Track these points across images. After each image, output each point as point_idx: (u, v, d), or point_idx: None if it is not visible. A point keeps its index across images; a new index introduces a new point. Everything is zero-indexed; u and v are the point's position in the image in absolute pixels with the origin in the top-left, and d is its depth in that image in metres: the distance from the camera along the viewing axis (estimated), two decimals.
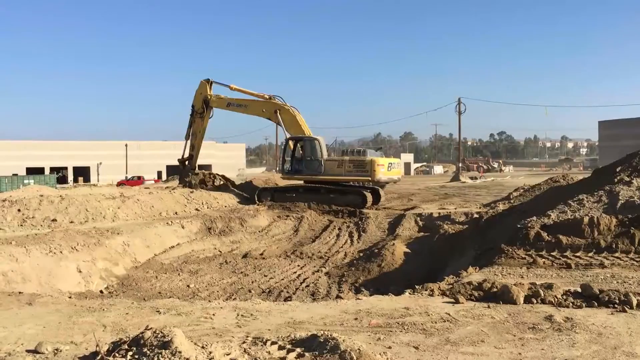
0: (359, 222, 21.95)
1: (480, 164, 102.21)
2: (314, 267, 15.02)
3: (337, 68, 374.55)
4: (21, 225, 17.54)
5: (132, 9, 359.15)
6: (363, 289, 12.35)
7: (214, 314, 6.98)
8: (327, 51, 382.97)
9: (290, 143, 27.56)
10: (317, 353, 4.51)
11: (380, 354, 4.92)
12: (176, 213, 22.27)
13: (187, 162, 31.92)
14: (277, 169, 74.35)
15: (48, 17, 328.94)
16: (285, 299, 11.34)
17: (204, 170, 33.79)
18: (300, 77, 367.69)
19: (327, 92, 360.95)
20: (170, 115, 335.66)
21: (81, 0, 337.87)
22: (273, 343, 4.92)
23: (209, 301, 8.93)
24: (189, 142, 31.78)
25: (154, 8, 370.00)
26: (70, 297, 10.01)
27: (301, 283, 13.12)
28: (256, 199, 26.82)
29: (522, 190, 25.44)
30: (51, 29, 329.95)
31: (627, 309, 6.52)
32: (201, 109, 30.83)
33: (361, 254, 16.17)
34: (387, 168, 25.94)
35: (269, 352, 4.71)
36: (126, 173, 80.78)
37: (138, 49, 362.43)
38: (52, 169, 76.45)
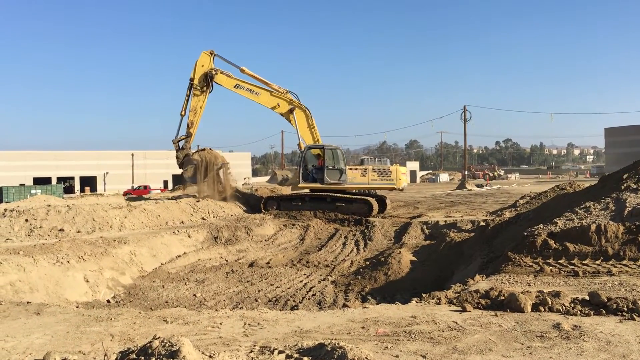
0: (365, 231, 21.94)
1: (486, 172, 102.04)
2: (321, 275, 15.00)
3: (340, 74, 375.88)
4: (29, 235, 17.63)
5: (135, 13, 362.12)
6: (370, 298, 12.33)
7: (221, 323, 6.99)
8: (330, 56, 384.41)
9: (311, 151, 27.20)
10: None
11: None
12: (182, 222, 22.34)
13: (183, 141, 28.69)
14: (280, 179, 74.06)
15: (51, 23, 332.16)
16: (292, 308, 11.33)
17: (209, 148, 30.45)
18: (301, 81, 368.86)
19: (330, 99, 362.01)
20: (176, 124, 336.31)
21: (83, 7, 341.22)
22: (280, 352, 4.93)
23: (216, 310, 8.93)
24: (184, 119, 28.56)
25: (157, 12, 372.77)
26: (77, 307, 10.04)
27: (308, 292, 13.11)
28: (262, 207, 26.82)
29: (528, 198, 25.36)
30: (56, 36, 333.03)
31: (635, 316, 6.48)
32: (202, 83, 28.10)
33: (367, 263, 16.14)
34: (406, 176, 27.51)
35: None
36: (132, 183, 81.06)
37: (142, 56, 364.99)
38: (59, 179, 76.86)
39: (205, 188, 28.84)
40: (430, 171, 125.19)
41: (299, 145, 28.21)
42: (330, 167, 26.38)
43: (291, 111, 27.58)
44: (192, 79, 28.18)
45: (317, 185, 26.51)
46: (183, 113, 28.43)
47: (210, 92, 28.61)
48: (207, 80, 28.02)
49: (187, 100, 28.41)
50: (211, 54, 28.38)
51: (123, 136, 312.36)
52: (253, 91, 28.04)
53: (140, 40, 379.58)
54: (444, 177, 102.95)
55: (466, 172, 75.11)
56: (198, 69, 28.23)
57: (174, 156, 30.27)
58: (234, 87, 28.14)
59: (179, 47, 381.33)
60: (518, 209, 22.80)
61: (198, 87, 28.13)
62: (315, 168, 26.77)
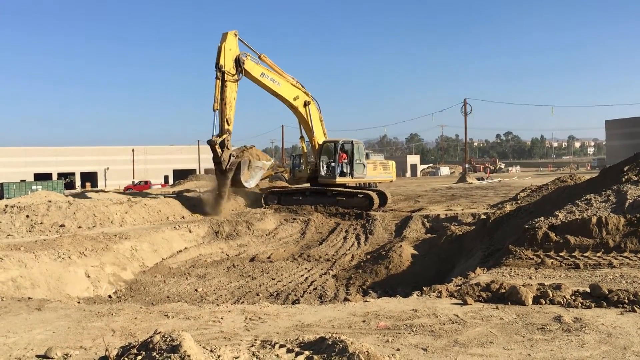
0: (366, 225, 21.92)
1: (487, 165, 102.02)
2: (322, 269, 15.01)
3: (340, 68, 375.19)
4: (30, 231, 17.64)
5: (134, 12, 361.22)
6: (371, 291, 12.35)
7: (222, 318, 7.00)
8: (330, 50, 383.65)
9: (333, 146, 26.58)
10: (325, 356, 4.51)
11: (388, 356, 4.92)
12: (183, 217, 22.34)
13: (224, 140, 23.20)
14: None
15: (51, 20, 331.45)
16: (293, 302, 11.34)
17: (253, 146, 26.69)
18: (299, 74, 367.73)
19: (330, 93, 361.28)
20: (176, 119, 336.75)
21: (85, 4, 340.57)
22: (281, 346, 4.93)
23: (217, 305, 8.94)
24: (216, 113, 23.23)
25: (156, 9, 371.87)
26: (79, 302, 10.06)
27: (309, 286, 13.12)
28: (263, 202, 26.77)
29: (529, 191, 25.31)
30: (56, 34, 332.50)
31: (636, 308, 6.48)
32: (233, 69, 23.37)
33: (368, 256, 16.14)
34: None
35: (277, 355, 4.71)
36: (133, 178, 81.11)
37: (142, 54, 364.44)
38: (60, 175, 76.92)
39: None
40: (431, 165, 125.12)
41: (301, 138, 27.80)
42: (358, 162, 26.50)
43: (306, 104, 26.37)
44: (221, 66, 23.07)
45: (348, 179, 26.40)
46: (217, 107, 23.12)
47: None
48: (239, 65, 23.74)
49: (222, 92, 23.20)
50: (235, 35, 23.87)
51: (123, 132, 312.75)
52: (275, 81, 25.21)
53: (139, 36, 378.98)
54: (444, 170, 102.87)
55: (467, 166, 75.00)
56: (227, 54, 23.32)
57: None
58: (260, 76, 24.61)
59: (180, 43, 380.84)
60: (519, 201, 22.76)
61: (230, 74, 23.31)
62: (344, 163, 26.59)
